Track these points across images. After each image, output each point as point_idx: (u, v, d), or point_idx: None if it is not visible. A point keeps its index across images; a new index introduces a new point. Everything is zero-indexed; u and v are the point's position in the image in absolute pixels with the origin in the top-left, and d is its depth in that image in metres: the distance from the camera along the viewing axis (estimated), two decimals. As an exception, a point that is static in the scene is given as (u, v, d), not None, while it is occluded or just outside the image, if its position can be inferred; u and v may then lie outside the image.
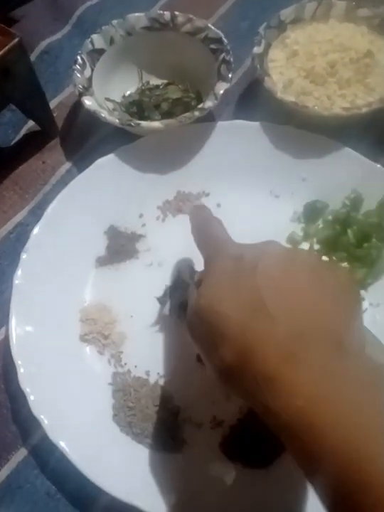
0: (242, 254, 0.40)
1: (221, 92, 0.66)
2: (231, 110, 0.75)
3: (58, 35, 0.83)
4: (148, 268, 0.63)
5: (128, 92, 0.75)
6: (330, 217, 0.64)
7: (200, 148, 0.68)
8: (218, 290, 0.39)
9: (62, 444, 0.50)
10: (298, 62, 0.69)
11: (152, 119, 0.70)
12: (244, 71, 0.78)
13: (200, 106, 0.66)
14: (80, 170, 0.68)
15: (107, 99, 0.72)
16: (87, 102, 0.67)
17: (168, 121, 0.65)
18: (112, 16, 0.72)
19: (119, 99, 0.74)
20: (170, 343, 0.58)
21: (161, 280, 0.61)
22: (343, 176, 0.65)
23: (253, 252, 0.40)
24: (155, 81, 0.76)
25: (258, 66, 0.68)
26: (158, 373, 0.56)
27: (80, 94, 0.67)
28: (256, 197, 0.66)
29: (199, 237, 0.49)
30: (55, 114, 0.74)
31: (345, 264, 0.62)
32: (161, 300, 0.58)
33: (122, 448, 0.52)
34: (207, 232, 0.48)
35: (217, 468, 0.51)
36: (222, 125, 0.69)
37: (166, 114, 0.70)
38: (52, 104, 0.76)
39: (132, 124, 0.65)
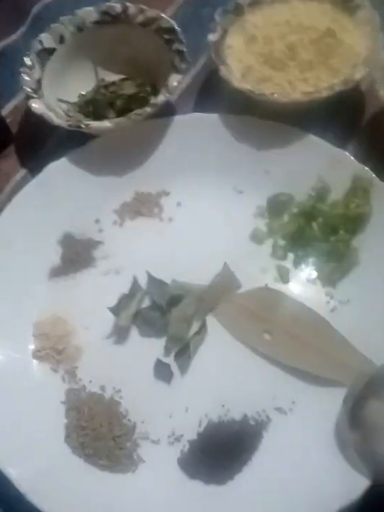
0: None
1: (174, 84, 0.63)
2: (192, 103, 0.71)
3: (14, 37, 0.79)
4: (105, 276, 0.60)
5: (84, 91, 0.71)
6: (295, 210, 0.60)
7: (158, 146, 0.65)
8: None
9: (9, 471, 0.47)
10: (256, 47, 0.65)
11: (108, 118, 0.66)
12: (205, 61, 0.74)
13: (152, 101, 0.62)
14: (35, 176, 0.64)
15: (61, 100, 0.69)
16: (35, 105, 0.64)
17: (118, 120, 0.62)
18: (68, 13, 0.69)
19: (74, 99, 0.70)
20: (126, 356, 0.55)
21: (118, 288, 0.58)
22: (308, 165, 0.61)
23: None
24: (112, 77, 0.72)
25: (214, 54, 0.64)
26: (114, 388, 0.54)
27: (28, 97, 0.64)
28: (218, 193, 0.63)
29: None
30: (9, 120, 0.71)
31: (311, 260, 0.58)
32: (115, 310, 0.55)
33: (74, 471, 0.49)
34: None
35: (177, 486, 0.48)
36: (179, 120, 0.65)
37: (122, 112, 0.67)
38: (8, 108, 0.74)
39: (82, 125, 0.62)
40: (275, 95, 0.61)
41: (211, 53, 0.65)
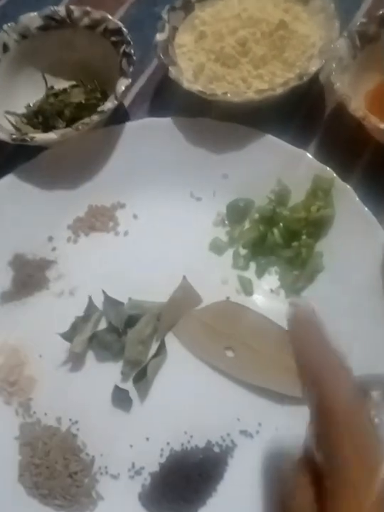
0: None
1: (122, 89, 0.59)
2: (146, 108, 0.68)
3: None
4: (59, 298, 0.56)
5: (34, 101, 0.68)
6: (257, 216, 0.57)
7: (110, 155, 0.61)
8: None
9: None
10: (206, 44, 0.62)
11: (57, 128, 0.63)
12: (158, 63, 0.70)
13: (99, 108, 0.59)
14: (-18, 195, 0.61)
15: (8, 113, 0.65)
16: (-22, 119, 0.60)
17: (64, 131, 0.58)
18: (12, 20, 0.65)
19: (23, 110, 0.67)
20: (82, 384, 0.52)
21: (73, 311, 0.55)
22: (266, 167, 0.58)
23: None
24: (62, 84, 0.69)
25: (161, 55, 0.61)
26: (70, 419, 0.51)
27: (-30, 113, 0.60)
28: (176, 202, 0.60)
29: (302, 360, 0.33)
30: None
31: (274, 269, 0.55)
32: (67, 336, 0.52)
33: (28, 513, 0.46)
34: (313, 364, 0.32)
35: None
36: (130, 126, 0.62)
37: (71, 121, 0.63)
38: None
39: (27, 139, 0.58)
40: (228, 95, 0.57)
41: (159, 54, 0.61)
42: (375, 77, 0.61)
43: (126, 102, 0.68)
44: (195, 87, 0.58)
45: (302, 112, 0.64)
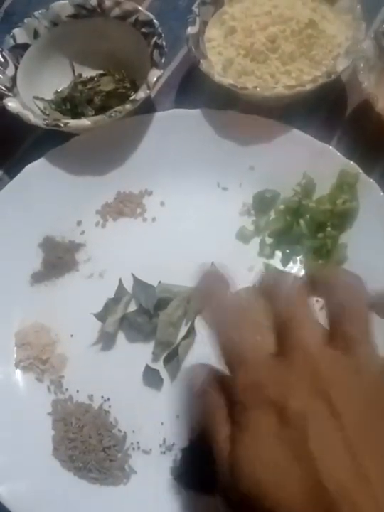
0: (285, 399, 0.27)
1: (154, 80, 0.60)
2: (172, 98, 0.69)
3: (-14, 34, 0.76)
4: (88, 280, 0.58)
5: (61, 88, 0.69)
6: (282, 207, 0.59)
7: (139, 144, 0.63)
8: (260, 456, 0.27)
9: (-4, 488, 0.46)
10: (236, 39, 0.63)
11: (86, 116, 0.64)
12: (184, 54, 0.71)
13: (132, 97, 0.60)
14: (13, 178, 0.62)
15: (36, 98, 0.67)
16: (10, 103, 0.61)
17: (97, 118, 0.60)
18: (42, 7, 0.66)
19: (50, 97, 0.68)
20: (113, 363, 0.54)
21: (103, 293, 0.56)
22: (292, 160, 0.60)
23: (301, 396, 0.27)
24: (89, 73, 0.70)
25: (193, 48, 0.62)
26: (102, 397, 0.52)
27: (2, 96, 0.62)
28: (202, 191, 0.61)
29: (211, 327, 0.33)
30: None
31: (299, 258, 0.57)
32: (100, 316, 0.53)
33: (64, 486, 0.47)
34: (218, 322, 0.33)
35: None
36: (159, 116, 0.63)
37: (101, 109, 0.65)
38: (-18, 108, 0.70)
39: (60, 124, 0.60)
40: (258, 89, 0.59)
41: (190, 47, 0.62)
42: (398, 78, 0.63)
43: (153, 93, 0.69)
44: (227, 81, 0.60)
45: (325, 108, 0.66)
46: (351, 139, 0.64)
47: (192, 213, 0.60)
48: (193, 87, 0.69)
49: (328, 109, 0.66)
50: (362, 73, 0.58)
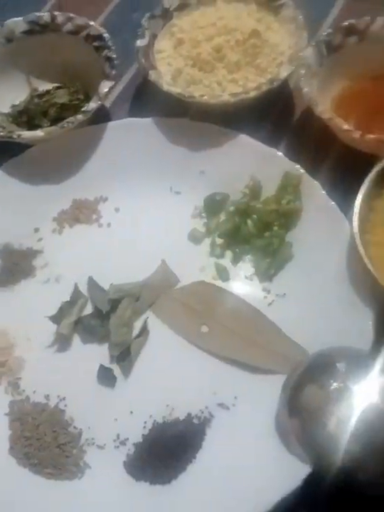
0: None
1: (105, 91, 0.63)
2: (127, 108, 0.72)
3: None
4: (45, 285, 0.60)
5: (18, 101, 0.71)
6: (231, 209, 0.61)
7: (94, 152, 0.65)
8: None
9: None
10: (184, 50, 0.66)
11: (42, 127, 0.66)
12: (138, 66, 0.74)
13: (84, 108, 0.63)
14: (-30, 191, 0.64)
15: (-7, 112, 0.69)
16: (-34, 117, 0.63)
17: (50, 129, 0.62)
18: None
19: (7, 110, 0.70)
20: (69, 364, 0.55)
21: (60, 297, 0.58)
22: (240, 164, 0.62)
23: None
24: (46, 86, 0.72)
25: (142, 59, 0.65)
26: (58, 396, 0.54)
27: None
28: (156, 196, 0.64)
29: None
30: None
31: (248, 257, 0.59)
32: (55, 319, 0.55)
33: (20, 482, 0.49)
34: None
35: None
36: (113, 126, 0.66)
37: (55, 120, 0.67)
38: None
39: (14, 136, 0.62)
40: (205, 97, 0.62)
41: (140, 58, 0.65)
42: (341, 83, 0.66)
43: (108, 104, 0.72)
44: (175, 90, 0.62)
45: (273, 114, 0.69)
46: (298, 143, 0.66)
47: (146, 217, 0.62)
48: (146, 97, 0.72)
49: (277, 115, 0.69)
50: (303, 80, 0.61)
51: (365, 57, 0.65)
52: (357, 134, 0.57)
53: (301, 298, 0.56)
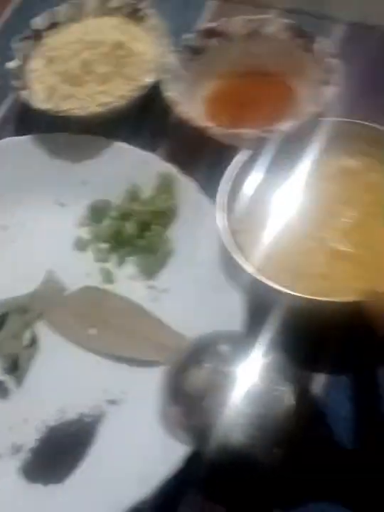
0: None
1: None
2: (11, 129, 0.74)
3: None
4: None
5: None
6: (114, 214, 0.64)
7: (-25, 174, 0.66)
8: None
9: None
10: (55, 67, 0.69)
11: None
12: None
13: None
14: None
15: None
16: None
17: None
18: None
19: None
20: None
21: None
22: (119, 170, 0.65)
23: None
24: None
25: (13, 81, 0.67)
26: None
27: None
28: (42, 210, 0.66)
29: None
30: None
31: (132, 258, 0.62)
32: None
33: None
34: None
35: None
36: (-9, 146, 0.67)
37: None
38: None
39: None
40: (75, 110, 0.64)
41: (12, 80, 0.67)
42: (211, 84, 0.70)
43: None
44: (45, 106, 0.65)
45: (151, 120, 0.72)
46: (174, 144, 0.70)
47: (33, 232, 0.65)
48: (29, 117, 0.74)
49: (155, 120, 0.72)
50: (166, 84, 0.64)
51: (229, 57, 0.69)
52: (216, 130, 0.60)
53: (183, 290, 0.59)
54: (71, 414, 0.54)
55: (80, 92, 0.68)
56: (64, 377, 0.56)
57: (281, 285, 0.53)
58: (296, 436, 0.47)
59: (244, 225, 0.58)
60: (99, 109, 0.64)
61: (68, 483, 0.51)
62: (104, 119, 0.67)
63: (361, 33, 0.73)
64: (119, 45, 0.67)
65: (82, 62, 0.67)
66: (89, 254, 0.63)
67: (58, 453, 0.52)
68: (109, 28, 0.70)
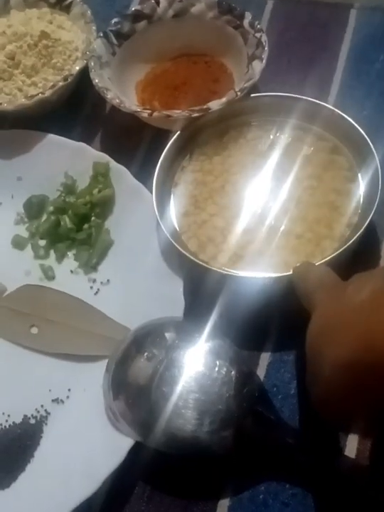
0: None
1: None
2: None
3: None
4: None
5: None
6: (51, 209, 0.62)
7: None
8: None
9: None
10: (-21, 63, 0.66)
11: None
12: None
13: None
14: None
15: None
16: None
17: None
18: None
19: None
20: None
21: None
22: (53, 163, 0.63)
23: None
24: None
25: None
26: None
27: None
28: (-22, 210, 0.63)
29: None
30: None
31: (71, 252, 0.60)
32: None
33: None
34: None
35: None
36: None
37: None
38: None
39: None
40: (4, 105, 0.62)
41: None
42: (144, 68, 0.68)
43: None
44: (-31, 103, 0.62)
45: (86, 110, 0.70)
46: (110, 133, 0.68)
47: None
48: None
49: (90, 111, 0.70)
50: (93, 71, 0.63)
51: (158, 40, 0.67)
52: (145, 113, 0.59)
53: (124, 281, 0.57)
54: (15, 417, 0.53)
55: (8, 86, 0.66)
56: (7, 380, 0.55)
57: (220, 266, 0.52)
58: (243, 419, 0.46)
59: (181, 209, 0.57)
60: (28, 102, 0.62)
61: (15, 486, 0.49)
62: (35, 112, 0.65)
63: (289, 7, 0.71)
64: (44, 36, 0.65)
65: (8, 56, 0.65)
66: (27, 252, 0.61)
67: (3, 458, 0.50)
68: (35, 20, 0.68)
